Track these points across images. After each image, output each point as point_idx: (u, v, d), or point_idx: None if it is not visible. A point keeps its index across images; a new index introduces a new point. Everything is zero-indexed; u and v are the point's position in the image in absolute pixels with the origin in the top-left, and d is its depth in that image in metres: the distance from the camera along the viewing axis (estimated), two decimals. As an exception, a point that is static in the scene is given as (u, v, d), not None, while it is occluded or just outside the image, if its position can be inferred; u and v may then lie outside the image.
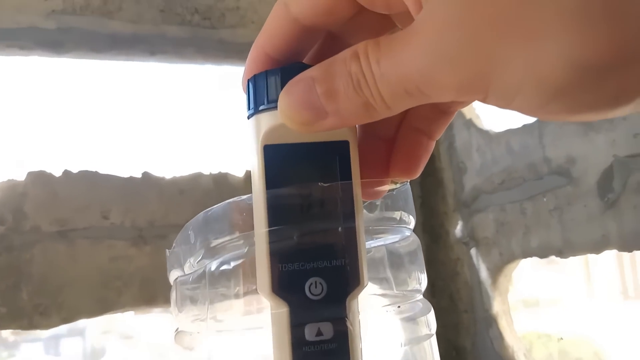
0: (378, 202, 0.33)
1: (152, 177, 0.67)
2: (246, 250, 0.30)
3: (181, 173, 0.68)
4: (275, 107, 0.24)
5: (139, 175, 0.66)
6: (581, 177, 0.59)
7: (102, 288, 0.62)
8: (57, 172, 0.64)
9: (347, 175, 0.25)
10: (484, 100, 0.19)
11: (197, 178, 0.68)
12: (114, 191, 0.65)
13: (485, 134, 0.71)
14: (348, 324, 0.24)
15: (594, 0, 0.15)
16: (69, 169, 0.65)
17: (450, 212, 0.76)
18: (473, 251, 0.72)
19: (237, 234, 0.31)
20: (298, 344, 0.24)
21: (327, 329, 0.24)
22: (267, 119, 0.25)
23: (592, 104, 0.17)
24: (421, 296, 0.35)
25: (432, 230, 0.79)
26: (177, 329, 0.35)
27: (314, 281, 0.24)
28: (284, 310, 0.24)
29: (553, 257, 0.64)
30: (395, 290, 0.34)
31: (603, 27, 0.16)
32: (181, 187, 0.67)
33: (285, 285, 0.24)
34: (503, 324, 0.70)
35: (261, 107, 0.25)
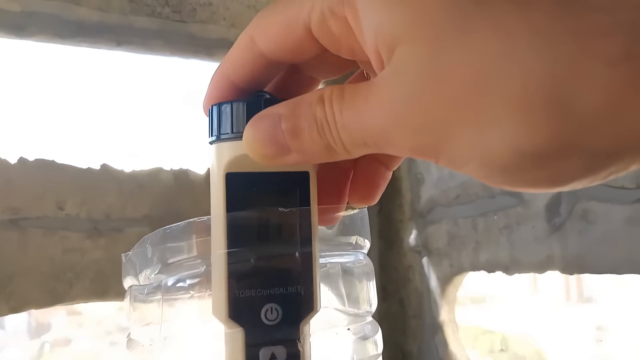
0: (335, 226, 0.34)
1: (111, 169, 0.66)
2: (203, 269, 0.31)
3: (141, 167, 0.68)
4: (239, 138, 0.24)
5: (98, 167, 0.65)
6: (531, 199, 0.61)
7: (53, 279, 0.61)
8: (12, 159, 0.63)
9: (306, 204, 0.26)
10: (436, 162, 0.21)
11: (157, 173, 0.68)
12: (70, 182, 0.64)
13: (444, 148, 0.73)
14: (300, 347, 0.25)
15: (538, 94, 0.17)
16: (24, 156, 0.63)
17: (406, 220, 0.78)
18: (425, 260, 0.74)
19: (194, 254, 0.32)
20: None
21: (281, 353, 0.25)
22: (230, 148, 0.25)
23: (531, 183, 0.19)
24: (371, 318, 0.36)
25: (387, 237, 0.81)
26: (129, 334, 0.35)
27: (270, 307, 0.25)
28: (238, 332, 0.25)
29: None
30: (347, 307, 0.36)
31: (543, 120, 0.17)
32: (140, 181, 0.67)
33: (242, 311, 0.25)
34: (449, 332, 0.73)
35: (224, 136, 0.25)
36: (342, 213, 0.32)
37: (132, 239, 0.65)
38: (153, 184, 0.67)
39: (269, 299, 0.25)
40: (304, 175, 0.26)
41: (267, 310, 0.25)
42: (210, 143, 0.26)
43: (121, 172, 0.66)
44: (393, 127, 0.20)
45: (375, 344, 0.36)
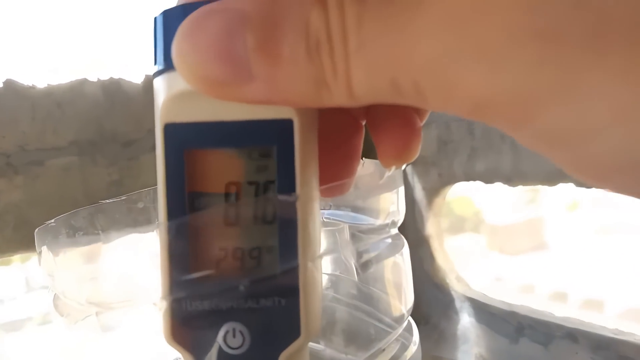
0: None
1: (18, 86, 0.51)
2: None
3: (59, 80, 0.53)
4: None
5: (0, 85, 0.51)
6: (543, 100, 0.51)
7: (-36, 234, 0.49)
8: None
9: (289, 175, 0.18)
10: (524, 135, 0.14)
11: (79, 86, 0.54)
12: (-35, 106, 0.49)
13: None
14: None
15: None
16: None
17: (385, 123, 0.68)
18: (409, 169, 0.65)
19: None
20: None
21: None
22: (169, 83, 0.17)
23: None
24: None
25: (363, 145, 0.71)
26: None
27: (232, 328, 0.18)
28: None
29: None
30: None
31: None
32: (59, 98, 0.53)
33: (191, 332, 0.18)
34: (435, 245, 0.66)
35: (161, 65, 0.17)
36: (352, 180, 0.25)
37: (57, 173, 0.52)
38: (76, 101, 0.53)
39: (229, 316, 0.17)
40: (286, 126, 0.17)
41: (227, 332, 0.18)
42: (154, 76, 0.18)
43: (32, 88, 0.52)
44: (467, 54, 0.12)
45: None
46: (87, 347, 0.27)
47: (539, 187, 0.55)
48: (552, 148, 0.14)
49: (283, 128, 0.17)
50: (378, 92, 0.14)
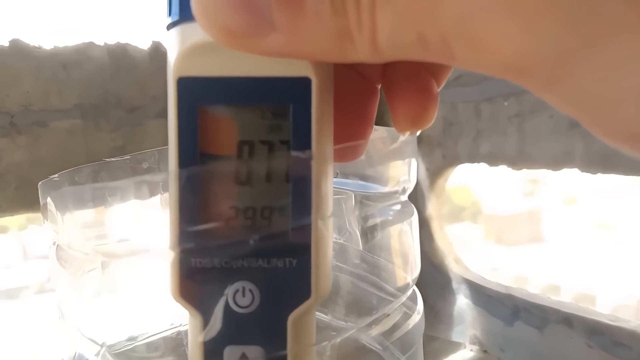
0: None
1: (24, 46, 0.51)
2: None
3: (65, 42, 0.52)
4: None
5: (6, 44, 0.50)
6: (552, 83, 0.51)
7: (-35, 191, 0.48)
8: None
9: (304, 135, 0.17)
10: (560, 100, 0.13)
11: (86, 49, 0.53)
12: (-30, 63, 0.49)
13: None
14: (288, 351, 0.18)
15: None
16: None
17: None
18: (413, 149, 0.65)
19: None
20: None
21: (255, 355, 0.18)
22: (188, 35, 0.16)
23: None
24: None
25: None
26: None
27: (242, 287, 0.17)
28: (196, 318, 0.18)
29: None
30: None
31: None
32: (65, 60, 0.52)
33: (198, 289, 0.17)
34: (435, 226, 0.66)
35: (177, 16, 0.17)
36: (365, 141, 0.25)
37: (60, 136, 0.52)
38: (81, 63, 0.53)
39: (239, 275, 0.17)
40: (303, 85, 0.17)
41: (236, 290, 0.18)
42: (167, 29, 0.17)
43: (38, 49, 0.51)
44: (506, 11, 0.11)
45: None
46: (89, 306, 0.26)
47: (540, 177, 0.54)
48: (582, 111, 0.13)
49: (300, 86, 0.17)
50: (403, 46, 0.13)
